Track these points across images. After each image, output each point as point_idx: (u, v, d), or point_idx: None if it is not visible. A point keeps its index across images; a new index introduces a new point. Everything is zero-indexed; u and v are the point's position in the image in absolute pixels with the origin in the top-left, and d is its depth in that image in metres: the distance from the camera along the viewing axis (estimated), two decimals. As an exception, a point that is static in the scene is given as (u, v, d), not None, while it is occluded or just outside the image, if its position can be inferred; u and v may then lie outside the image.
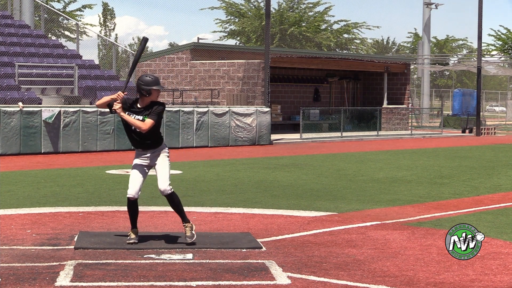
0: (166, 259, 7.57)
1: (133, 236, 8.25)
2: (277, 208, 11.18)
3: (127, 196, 8.25)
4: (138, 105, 8.20)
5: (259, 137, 26.16)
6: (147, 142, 8.24)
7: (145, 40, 8.54)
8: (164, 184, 8.16)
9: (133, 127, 8.20)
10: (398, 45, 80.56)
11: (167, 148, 8.38)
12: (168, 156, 8.32)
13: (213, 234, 8.84)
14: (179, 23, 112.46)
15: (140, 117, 8.14)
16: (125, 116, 8.15)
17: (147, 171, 8.33)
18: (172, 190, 8.21)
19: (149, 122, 8.10)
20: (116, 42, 44.50)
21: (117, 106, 8.14)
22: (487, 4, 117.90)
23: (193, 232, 8.24)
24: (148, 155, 8.27)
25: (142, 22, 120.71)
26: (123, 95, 8.14)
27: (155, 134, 8.25)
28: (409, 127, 37.15)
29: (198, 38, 48.01)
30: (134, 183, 8.23)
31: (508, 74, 57.59)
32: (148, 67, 33.99)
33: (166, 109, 9.32)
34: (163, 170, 8.21)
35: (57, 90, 24.86)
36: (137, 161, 8.30)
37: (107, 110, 8.35)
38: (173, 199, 8.25)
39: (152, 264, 7.39)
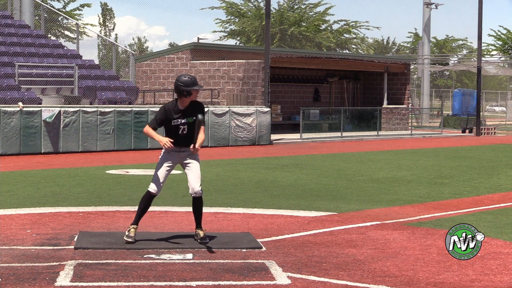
0: (166, 259, 7.57)
1: (132, 234, 8.24)
2: (277, 208, 11.18)
3: (150, 190, 8.24)
4: (179, 107, 8.20)
5: (259, 137, 26.16)
6: (190, 140, 8.25)
7: None
8: (198, 185, 8.19)
9: (181, 128, 8.16)
10: (398, 45, 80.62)
11: None
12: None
13: (213, 234, 8.84)
14: (180, 23, 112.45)
15: (184, 120, 8.15)
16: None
17: (172, 170, 8.38)
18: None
19: (203, 128, 8.23)
20: (116, 42, 44.50)
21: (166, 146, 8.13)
22: (487, 4, 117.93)
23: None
24: (185, 153, 8.28)
25: (143, 22, 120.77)
26: (171, 146, 8.13)
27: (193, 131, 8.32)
28: (409, 127, 37.15)
29: (198, 38, 48.03)
30: (160, 180, 8.25)
31: (508, 74, 57.59)
32: (148, 67, 34.00)
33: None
34: (198, 170, 8.27)
35: (57, 90, 24.86)
36: (169, 158, 8.27)
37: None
38: (200, 202, 8.30)
39: (152, 264, 7.39)
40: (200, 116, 8.17)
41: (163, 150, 8.34)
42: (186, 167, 8.30)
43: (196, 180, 8.21)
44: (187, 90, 8.14)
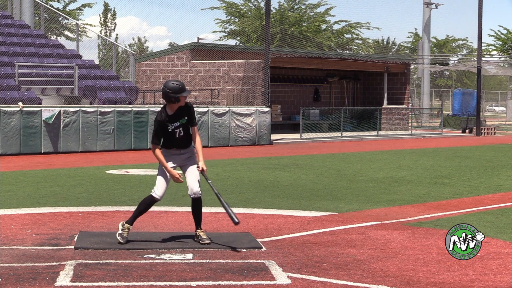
0: (166, 259, 7.57)
1: (125, 235, 8.21)
2: (277, 208, 11.18)
3: (154, 196, 8.22)
4: (169, 113, 8.24)
5: (259, 137, 26.16)
6: (188, 140, 8.34)
7: None
8: (197, 186, 8.25)
9: (177, 131, 8.22)
10: (398, 45, 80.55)
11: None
12: None
13: (213, 234, 8.84)
14: (181, 24, 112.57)
15: (178, 123, 8.21)
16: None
17: None
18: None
19: (196, 129, 8.37)
20: (117, 42, 44.49)
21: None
22: (487, 4, 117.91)
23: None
24: (185, 155, 8.33)
25: (145, 23, 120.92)
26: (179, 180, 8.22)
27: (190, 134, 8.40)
28: (409, 127, 37.16)
29: (198, 38, 48.04)
30: (165, 185, 8.27)
31: (508, 74, 57.58)
32: (148, 67, 33.99)
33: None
34: (197, 172, 8.32)
35: (57, 90, 24.87)
36: (170, 161, 8.28)
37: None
38: (199, 203, 8.34)
39: (152, 264, 7.39)
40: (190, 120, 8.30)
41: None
42: (186, 169, 8.34)
43: (195, 182, 8.25)
44: (176, 97, 8.17)
